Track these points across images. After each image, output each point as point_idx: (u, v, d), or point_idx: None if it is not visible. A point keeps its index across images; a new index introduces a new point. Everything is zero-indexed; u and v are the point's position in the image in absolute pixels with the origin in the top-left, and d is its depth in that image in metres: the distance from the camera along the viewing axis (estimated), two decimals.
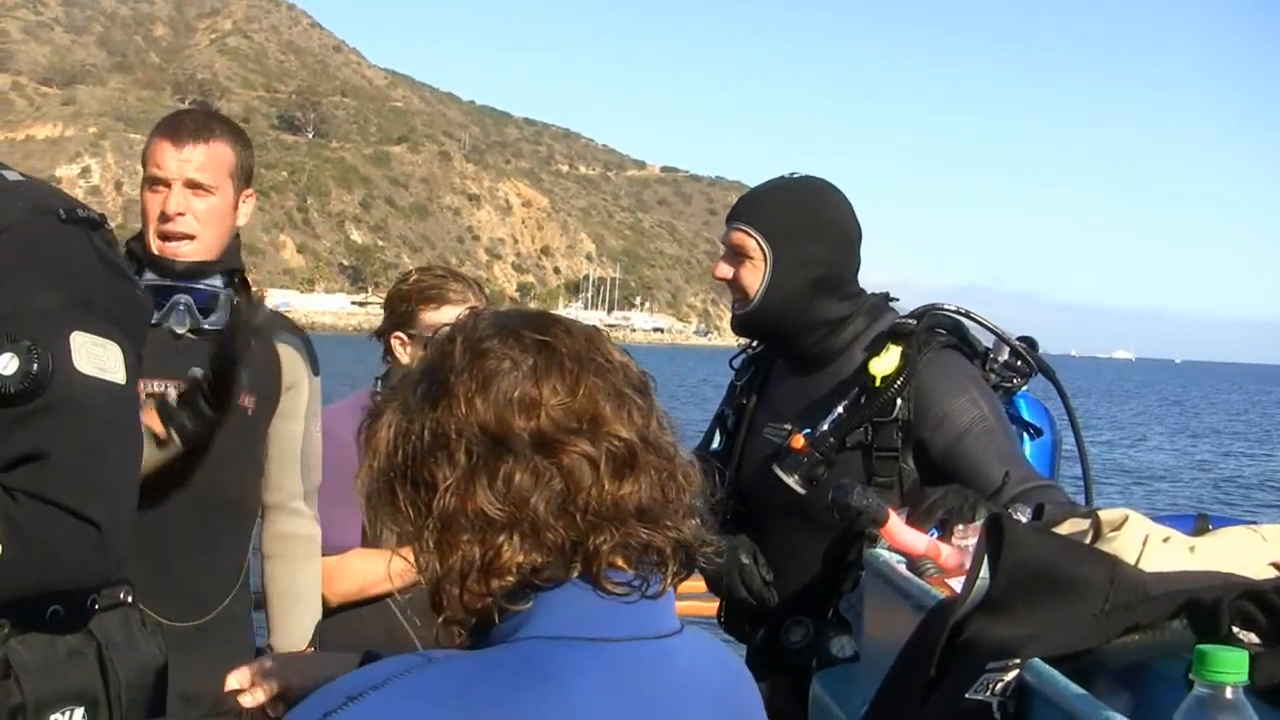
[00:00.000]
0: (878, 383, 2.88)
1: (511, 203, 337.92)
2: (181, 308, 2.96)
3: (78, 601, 2.07)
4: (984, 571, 1.68)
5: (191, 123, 3.04)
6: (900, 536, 2.43)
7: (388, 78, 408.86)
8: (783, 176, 3.17)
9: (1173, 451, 45.63)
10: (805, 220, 3.01)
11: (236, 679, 1.70)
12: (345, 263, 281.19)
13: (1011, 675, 1.54)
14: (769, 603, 3.05)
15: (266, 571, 3.27)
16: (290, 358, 3.21)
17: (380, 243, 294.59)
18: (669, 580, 1.40)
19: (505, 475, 1.32)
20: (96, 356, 1.92)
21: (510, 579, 1.33)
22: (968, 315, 3.14)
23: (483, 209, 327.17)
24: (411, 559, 2.76)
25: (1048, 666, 1.53)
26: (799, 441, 2.93)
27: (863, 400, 2.92)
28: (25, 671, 1.96)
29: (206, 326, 2.98)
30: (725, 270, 3.06)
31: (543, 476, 1.32)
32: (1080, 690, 1.46)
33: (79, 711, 2.00)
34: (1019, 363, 3.13)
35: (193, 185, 2.97)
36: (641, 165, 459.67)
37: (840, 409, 2.93)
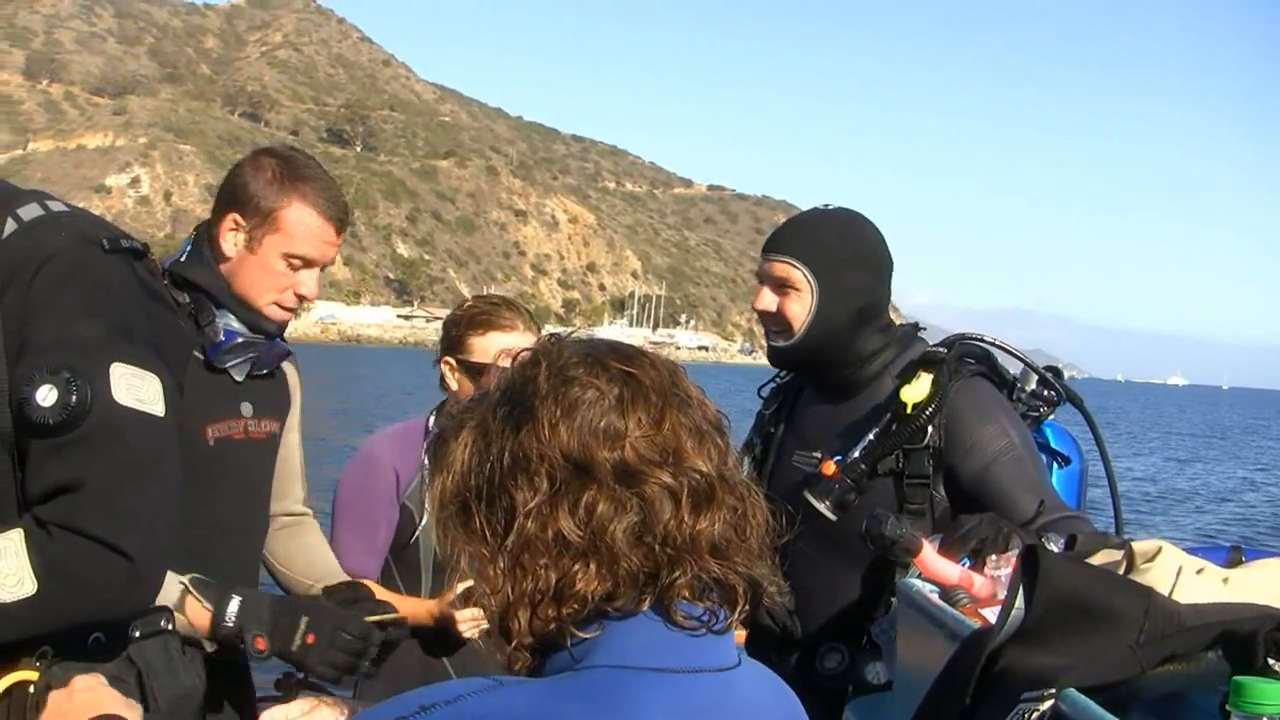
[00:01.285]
0: (909, 410, 2.91)
1: (558, 218, 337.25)
2: (246, 362, 2.96)
3: (118, 629, 2.09)
4: (1019, 601, 1.69)
5: (341, 204, 3.04)
6: (933, 566, 2.46)
7: (436, 92, 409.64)
8: (817, 208, 3.19)
9: (1211, 480, 43.57)
10: (847, 250, 3.04)
11: (271, 717, 1.73)
12: (391, 276, 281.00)
13: (1047, 705, 1.54)
14: (793, 633, 3.09)
15: (282, 547, 3.25)
16: (293, 375, 3.23)
17: (426, 256, 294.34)
18: (736, 617, 1.41)
19: (587, 503, 1.32)
20: (135, 388, 1.93)
21: (581, 606, 1.33)
22: (996, 344, 3.17)
23: (529, 224, 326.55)
24: (415, 613, 2.85)
25: (1083, 696, 1.52)
26: (830, 468, 2.96)
27: (894, 427, 2.95)
28: None
29: (256, 373, 3.01)
30: (769, 302, 3.07)
31: (623, 506, 1.33)
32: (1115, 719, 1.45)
33: None
34: (1046, 391, 3.17)
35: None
36: (688, 183, 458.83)
37: (871, 436, 2.97)
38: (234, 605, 2.59)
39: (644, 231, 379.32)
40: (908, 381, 2.95)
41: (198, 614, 2.57)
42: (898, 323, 3.24)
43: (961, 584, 2.38)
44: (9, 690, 1.92)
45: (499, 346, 3.06)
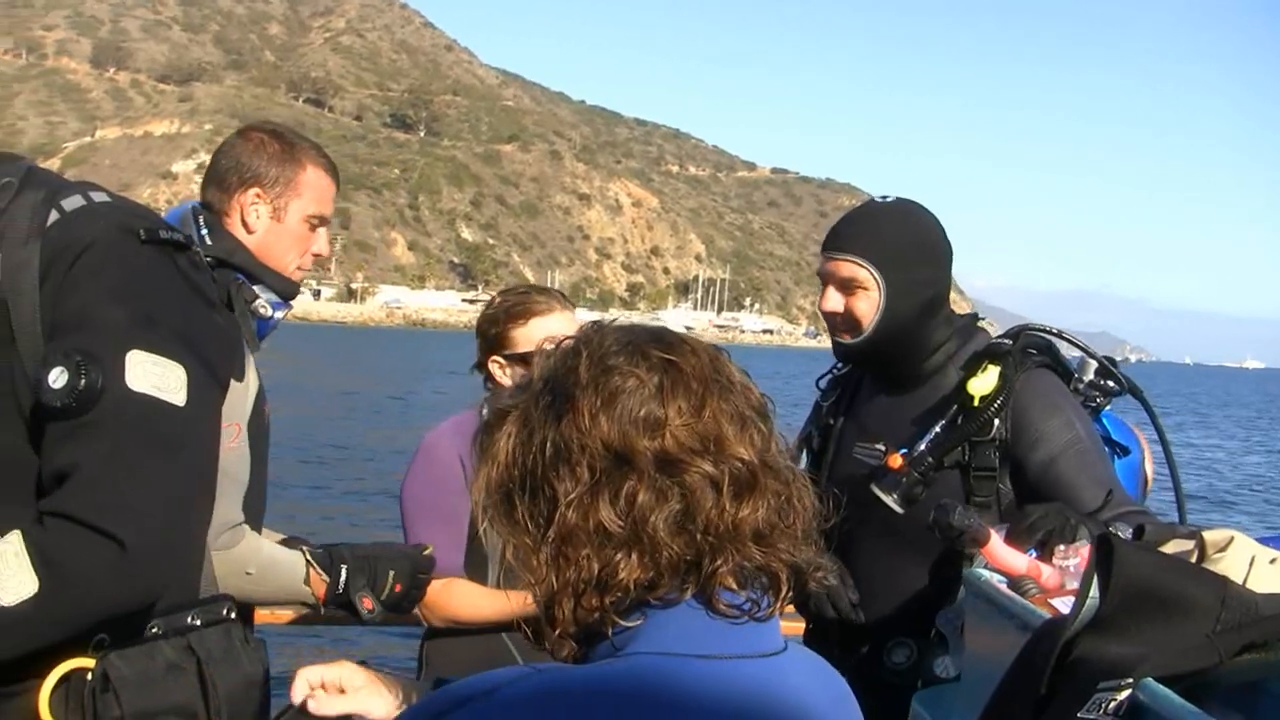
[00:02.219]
0: (976, 402, 2.91)
1: (621, 202, 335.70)
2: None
3: (177, 617, 2.10)
4: (1094, 590, 1.67)
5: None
6: (1001, 556, 2.45)
7: (499, 77, 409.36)
8: (875, 201, 3.16)
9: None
10: (912, 245, 3.01)
11: (309, 676, 1.75)
12: (456, 260, 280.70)
13: (1124, 695, 1.54)
14: (858, 623, 3.08)
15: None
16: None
17: (491, 241, 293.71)
18: (779, 604, 1.40)
19: (628, 493, 1.32)
20: (155, 375, 1.92)
21: (624, 595, 1.33)
22: (1058, 334, 3.15)
23: (593, 208, 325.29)
24: (518, 605, 2.84)
25: (1161, 686, 1.53)
26: (897, 461, 2.95)
27: (961, 420, 2.94)
28: (124, 685, 1.98)
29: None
30: (836, 303, 3.03)
31: (664, 495, 1.32)
32: (1195, 709, 1.46)
33: None
34: (1105, 381, 3.16)
35: None
36: (751, 166, 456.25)
37: (938, 428, 2.96)
38: (344, 572, 2.70)
39: (707, 215, 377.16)
40: (973, 374, 2.94)
41: (317, 585, 2.68)
42: (960, 311, 3.25)
43: (1030, 574, 2.38)
44: (66, 677, 1.92)
45: (542, 332, 3.09)
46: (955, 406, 2.96)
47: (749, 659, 1.35)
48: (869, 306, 2.98)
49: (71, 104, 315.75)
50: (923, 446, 2.95)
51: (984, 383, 2.90)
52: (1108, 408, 3.21)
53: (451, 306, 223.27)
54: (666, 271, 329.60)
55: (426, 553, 2.92)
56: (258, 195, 2.88)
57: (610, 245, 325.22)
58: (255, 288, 2.86)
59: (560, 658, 1.39)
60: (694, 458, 1.32)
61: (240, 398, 2.49)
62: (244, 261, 2.86)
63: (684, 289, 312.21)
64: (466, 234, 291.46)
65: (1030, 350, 3.03)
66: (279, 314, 2.89)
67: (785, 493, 1.38)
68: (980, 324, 3.22)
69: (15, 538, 1.81)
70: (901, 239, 3.00)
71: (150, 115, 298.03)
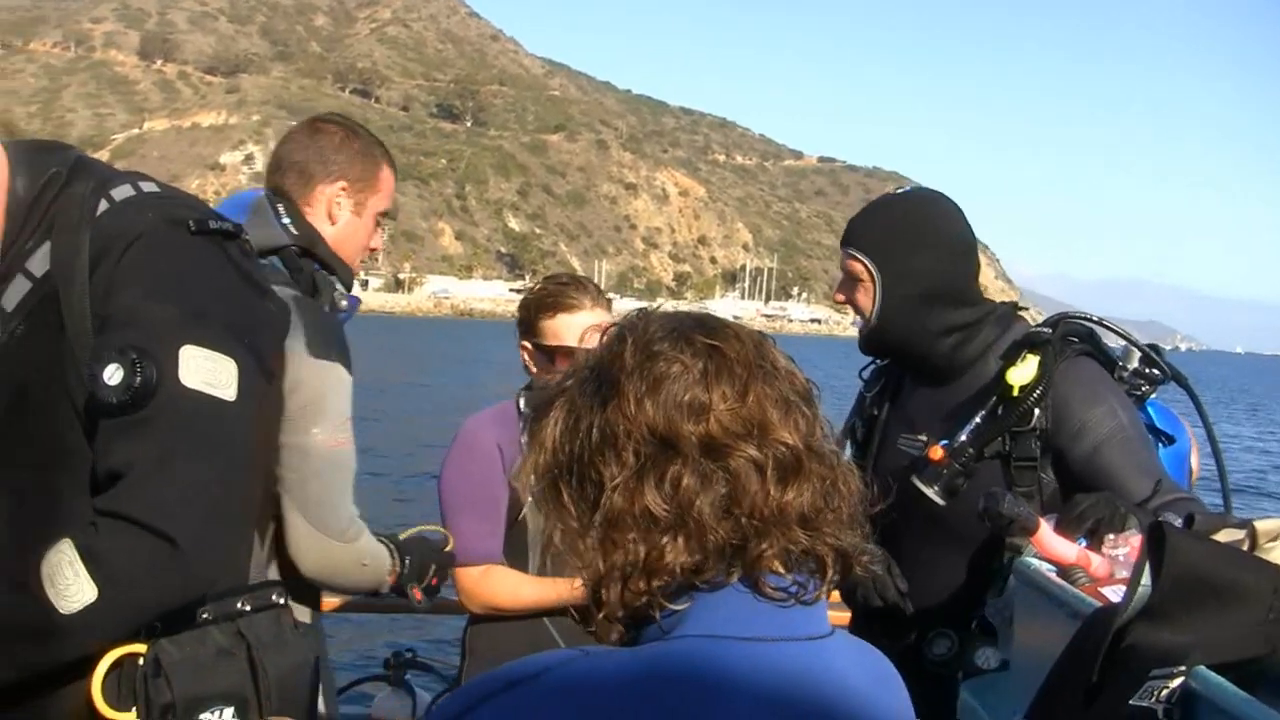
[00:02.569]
0: (1016, 392, 2.89)
1: (668, 192, 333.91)
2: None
3: (227, 603, 2.13)
4: (1145, 578, 1.68)
5: None
6: (1051, 545, 2.45)
7: (545, 66, 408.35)
8: (888, 193, 3.22)
9: None
10: (905, 235, 3.03)
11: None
12: (503, 250, 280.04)
13: (1177, 683, 1.53)
14: (905, 612, 3.10)
15: None
16: None
17: (538, 230, 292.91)
18: (826, 588, 1.41)
19: (673, 477, 1.33)
20: (206, 371, 1.94)
21: (671, 578, 1.34)
22: (1099, 322, 3.14)
23: (639, 198, 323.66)
24: (559, 592, 3.02)
25: (1214, 674, 1.53)
26: (937, 453, 2.95)
27: (1001, 410, 2.93)
28: (175, 670, 2.00)
29: None
30: (845, 296, 3.14)
31: (709, 480, 1.33)
32: (1248, 697, 1.45)
33: (228, 711, 2.05)
34: (1149, 370, 3.12)
35: None
36: (798, 155, 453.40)
37: (978, 419, 2.95)
38: (407, 563, 2.85)
39: (755, 204, 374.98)
40: (1012, 363, 2.92)
41: (391, 575, 2.82)
42: (1006, 299, 3.25)
43: (1080, 563, 2.38)
44: (119, 662, 1.95)
45: (567, 327, 3.22)
46: (995, 397, 2.94)
47: (795, 641, 1.36)
48: (866, 298, 3.03)
49: (120, 96, 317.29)
50: (963, 437, 2.94)
51: (1023, 372, 2.88)
52: (1153, 396, 3.18)
53: (499, 296, 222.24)
54: (713, 261, 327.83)
55: (447, 549, 3.03)
56: (344, 189, 2.92)
57: (657, 235, 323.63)
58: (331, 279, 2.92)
59: (607, 641, 1.40)
60: (738, 442, 1.34)
61: (346, 391, 2.64)
62: (324, 252, 2.90)
63: (731, 278, 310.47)
64: (514, 224, 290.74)
65: (1071, 338, 3.01)
66: (351, 306, 2.92)
67: (830, 477, 1.39)
68: (1022, 313, 3.20)
69: (67, 546, 1.83)
70: (894, 229, 3.03)
71: (198, 107, 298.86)
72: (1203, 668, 1.53)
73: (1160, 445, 3.11)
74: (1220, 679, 1.50)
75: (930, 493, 2.93)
